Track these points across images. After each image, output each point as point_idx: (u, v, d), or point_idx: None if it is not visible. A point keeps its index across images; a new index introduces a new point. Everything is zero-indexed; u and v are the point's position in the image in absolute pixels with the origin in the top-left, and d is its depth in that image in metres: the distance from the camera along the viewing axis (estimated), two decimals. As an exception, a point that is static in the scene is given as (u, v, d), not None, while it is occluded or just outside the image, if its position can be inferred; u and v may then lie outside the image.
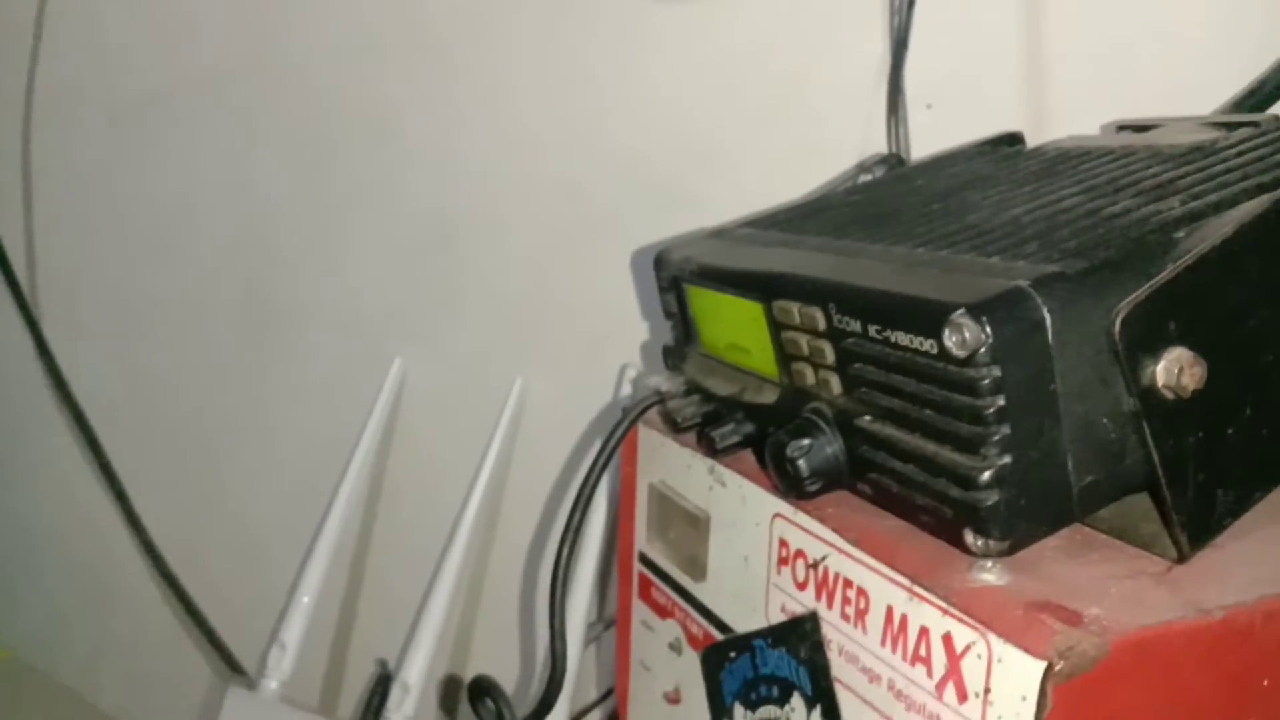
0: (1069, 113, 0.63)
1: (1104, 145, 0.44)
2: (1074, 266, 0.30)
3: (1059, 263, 0.30)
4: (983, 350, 0.29)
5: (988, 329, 0.29)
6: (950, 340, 0.29)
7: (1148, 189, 0.34)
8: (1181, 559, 0.31)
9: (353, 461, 0.83)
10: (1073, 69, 0.62)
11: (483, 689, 0.45)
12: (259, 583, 0.92)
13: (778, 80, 0.70)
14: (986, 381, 0.29)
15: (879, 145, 0.65)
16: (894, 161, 0.52)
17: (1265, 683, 0.31)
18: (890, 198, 0.45)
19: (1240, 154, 0.37)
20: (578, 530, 0.46)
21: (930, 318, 0.30)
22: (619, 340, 0.76)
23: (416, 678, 0.73)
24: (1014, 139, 0.53)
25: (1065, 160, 0.43)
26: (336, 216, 0.87)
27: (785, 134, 0.70)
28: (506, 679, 0.79)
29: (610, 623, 0.66)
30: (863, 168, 0.52)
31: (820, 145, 0.68)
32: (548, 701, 0.44)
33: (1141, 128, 0.47)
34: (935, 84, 0.66)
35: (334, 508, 0.82)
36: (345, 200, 0.86)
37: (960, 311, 0.29)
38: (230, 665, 0.90)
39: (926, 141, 0.63)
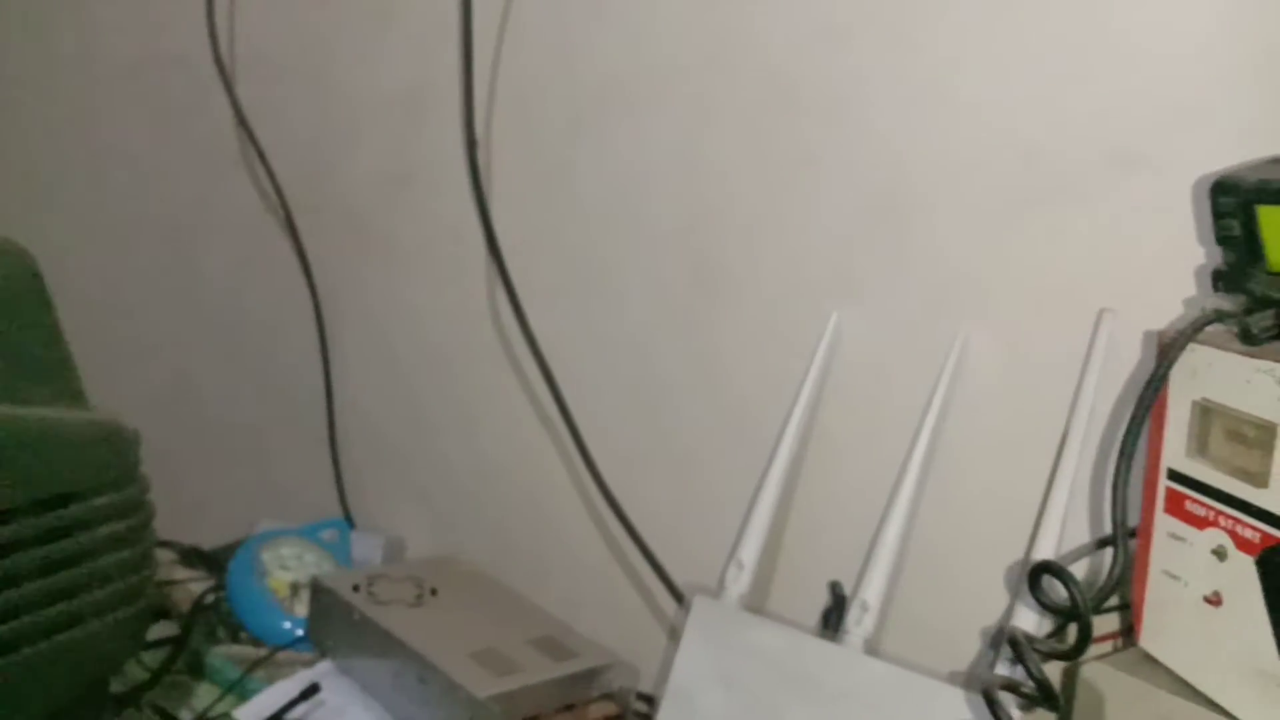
0: None
1: None
2: None
3: None
4: None
5: None
6: None
7: None
8: None
9: (794, 411, 0.90)
10: None
11: (1047, 570, 0.51)
12: (688, 518, 1.03)
13: (1258, 48, 0.71)
14: None
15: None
16: None
17: None
18: None
19: None
20: (1136, 438, 0.50)
21: None
22: (1068, 304, 0.80)
23: (875, 598, 0.80)
24: None
25: None
26: (782, 189, 0.95)
27: (1261, 98, 0.71)
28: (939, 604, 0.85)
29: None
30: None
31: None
32: (1112, 584, 0.49)
33: None
34: None
35: (780, 449, 0.90)
36: (792, 174, 0.94)
37: None
38: (667, 583, 1.01)
39: None
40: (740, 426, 0.99)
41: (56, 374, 0.87)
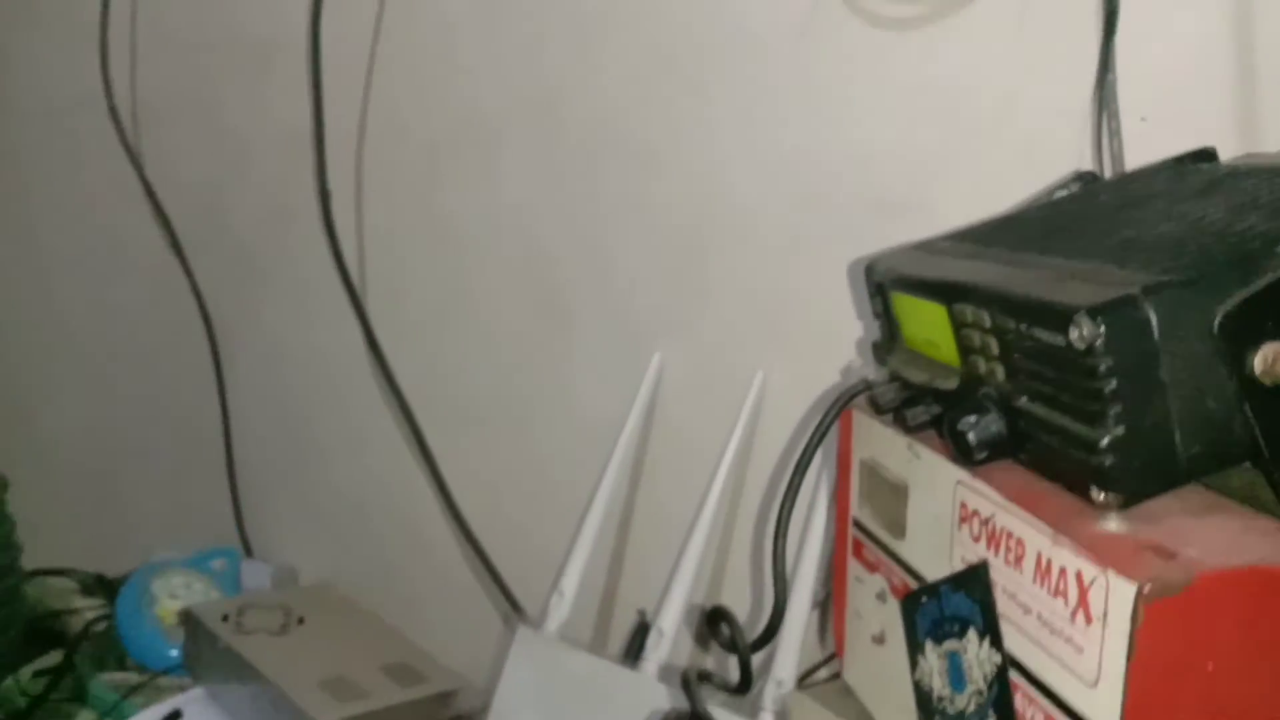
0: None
1: (1271, 164, 0.49)
2: (1184, 275, 0.37)
3: (1174, 272, 0.38)
4: (1098, 343, 0.36)
5: (1102, 327, 0.36)
6: (1073, 335, 0.37)
7: (1270, 207, 0.41)
8: (1286, 520, 0.38)
9: (619, 442, 0.96)
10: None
11: (719, 615, 0.56)
12: (540, 542, 1.08)
13: (994, 99, 0.77)
14: (1101, 368, 0.37)
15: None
16: (1088, 178, 0.58)
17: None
18: (1072, 213, 0.52)
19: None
20: (796, 491, 0.56)
21: (1060, 317, 0.38)
22: (849, 338, 0.85)
23: (670, 625, 0.86)
24: (1207, 155, 0.57)
25: (1229, 178, 0.48)
26: (607, 230, 1.01)
27: (1002, 149, 0.77)
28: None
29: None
30: (1057, 186, 0.58)
31: (1037, 159, 0.74)
32: (771, 629, 0.55)
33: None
34: (1150, 97, 0.71)
35: (604, 480, 0.96)
36: (614, 216, 1.00)
37: (1081, 313, 0.37)
38: (515, 608, 1.06)
39: (1142, 151, 0.69)
40: (586, 455, 1.04)
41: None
